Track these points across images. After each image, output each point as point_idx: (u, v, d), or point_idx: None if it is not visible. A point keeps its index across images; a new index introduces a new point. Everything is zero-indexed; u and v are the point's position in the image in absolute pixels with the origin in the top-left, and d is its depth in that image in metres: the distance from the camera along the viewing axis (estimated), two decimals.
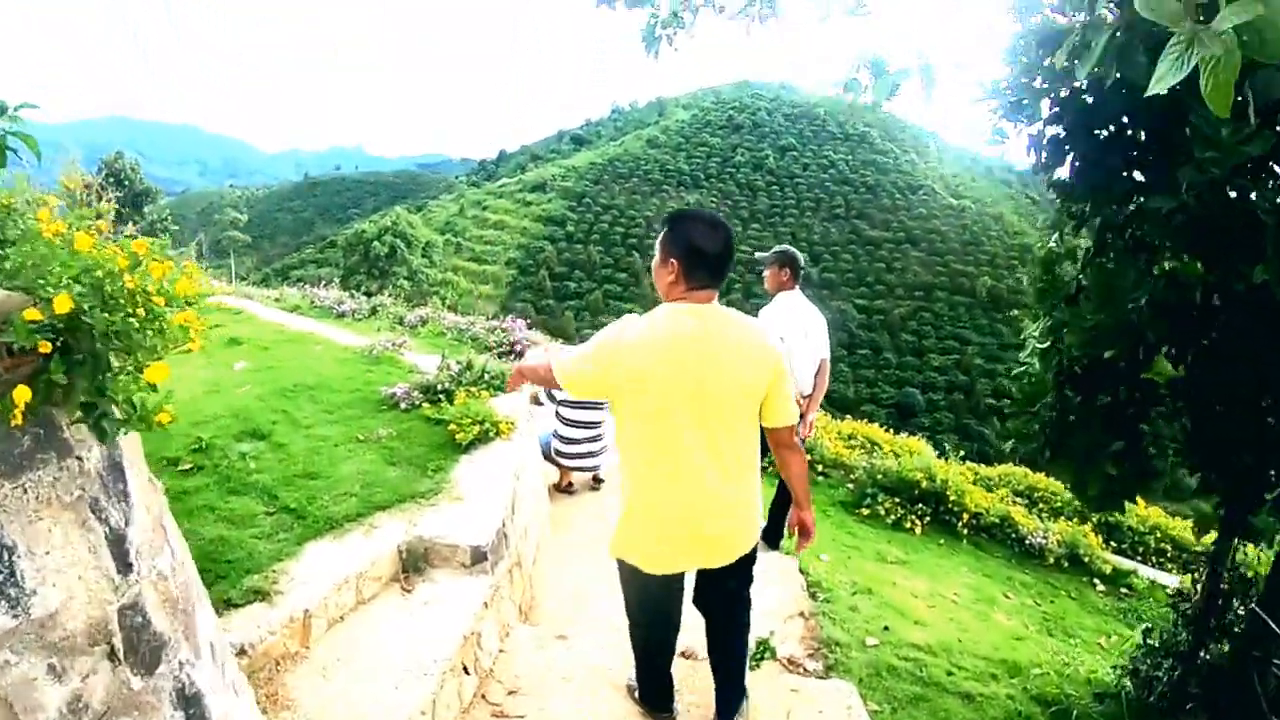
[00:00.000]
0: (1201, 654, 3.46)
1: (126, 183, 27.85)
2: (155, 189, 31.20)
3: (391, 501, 4.15)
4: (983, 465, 10.05)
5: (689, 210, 2.64)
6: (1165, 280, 2.84)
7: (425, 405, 5.51)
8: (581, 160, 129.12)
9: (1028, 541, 7.07)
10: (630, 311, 2.85)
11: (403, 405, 5.63)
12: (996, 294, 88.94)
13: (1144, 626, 4.31)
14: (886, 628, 4.53)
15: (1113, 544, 7.86)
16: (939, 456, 9.16)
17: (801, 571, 5.06)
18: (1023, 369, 3.58)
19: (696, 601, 2.96)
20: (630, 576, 2.77)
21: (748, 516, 2.69)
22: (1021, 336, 3.77)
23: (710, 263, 2.49)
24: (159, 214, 30.57)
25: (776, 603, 4.55)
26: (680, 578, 2.79)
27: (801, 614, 4.51)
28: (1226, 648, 3.40)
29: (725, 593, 2.88)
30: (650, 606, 2.88)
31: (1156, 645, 3.73)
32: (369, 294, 12.51)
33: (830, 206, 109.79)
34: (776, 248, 5.09)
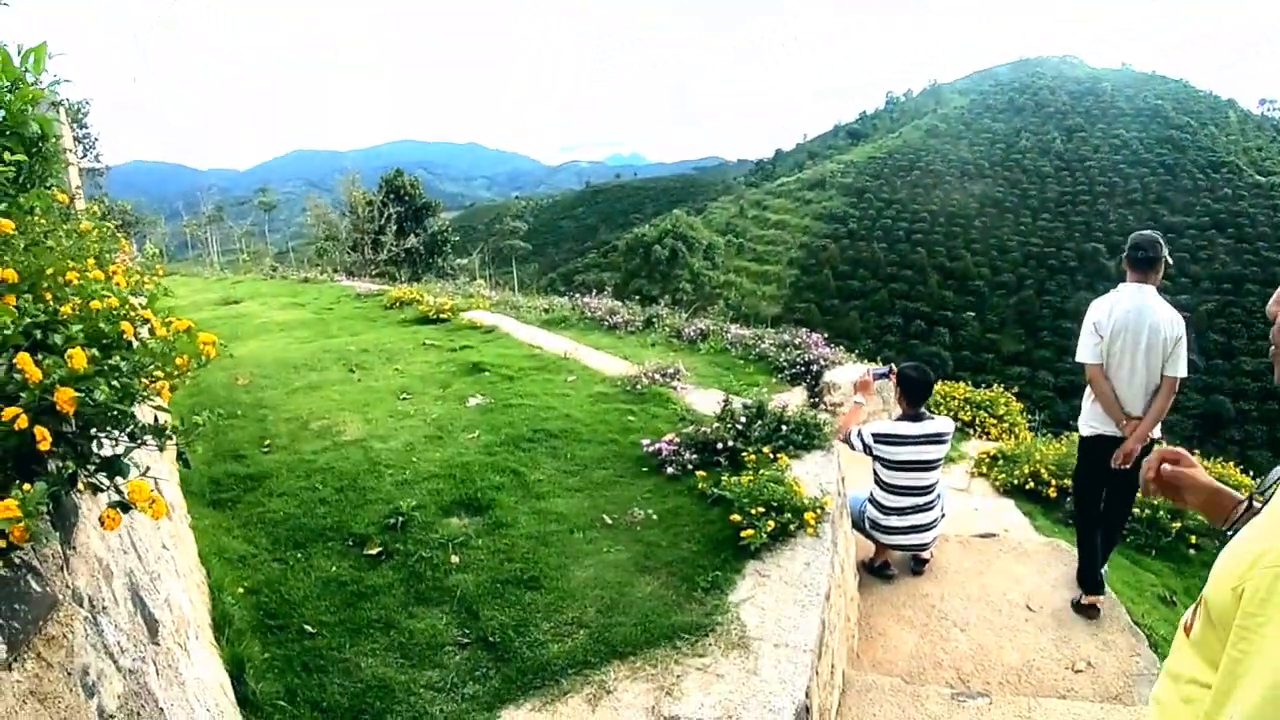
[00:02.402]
0: None
1: (407, 198, 30.36)
2: (436, 202, 33.87)
3: (638, 642, 3.02)
4: None
5: None
6: None
7: (699, 472, 4.38)
8: (860, 154, 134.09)
9: None
10: None
11: (669, 469, 4.55)
12: None
13: None
14: None
15: None
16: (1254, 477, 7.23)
17: None
18: None
19: None
20: None
21: None
22: None
23: None
24: (440, 226, 33.15)
25: None
26: None
27: None
28: None
29: None
30: None
31: None
32: (650, 299, 11.92)
33: (1125, 191, 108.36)
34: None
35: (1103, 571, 4.83)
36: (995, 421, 8.38)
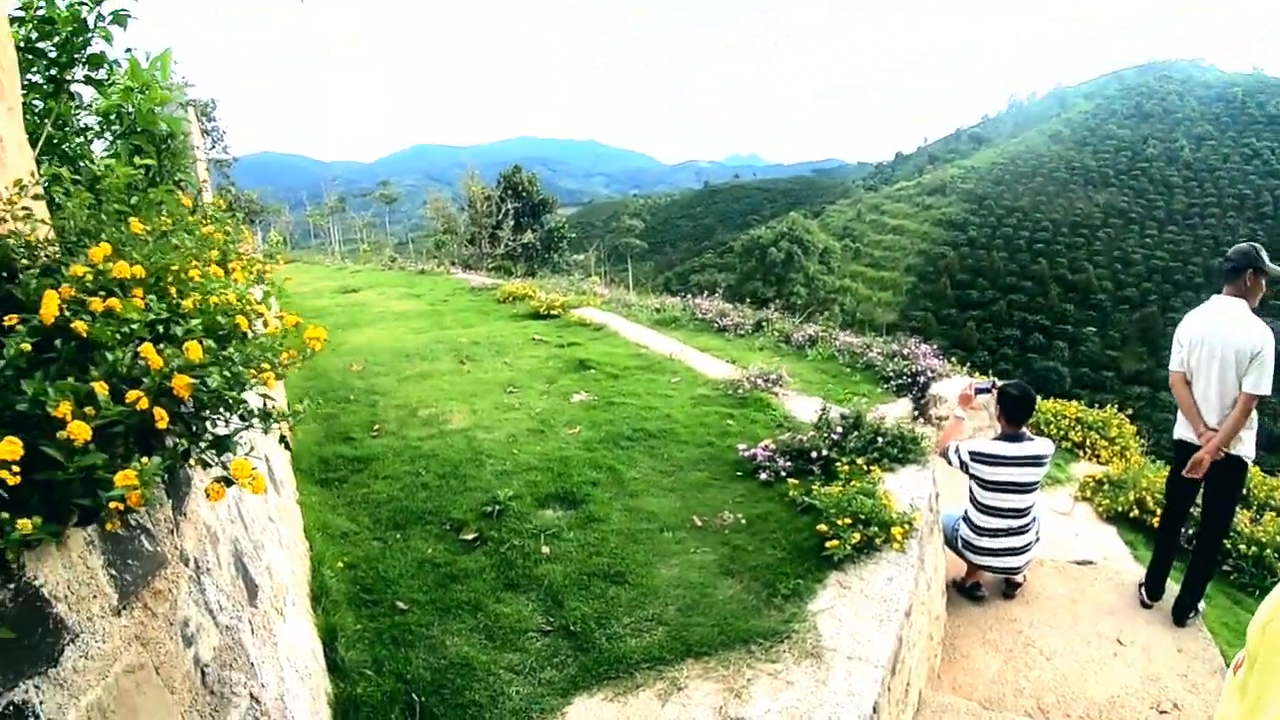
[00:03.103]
0: None
1: (524, 194, 31.20)
2: (553, 199, 34.67)
3: (713, 643, 3.10)
4: None
5: None
6: None
7: (791, 480, 4.42)
8: (981, 160, 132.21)
9: None
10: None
11: (762, 475, 4.61)
12: None
13: None
14: None
15: None
16: None
17: None
18: None
19: None
20: None
21: None
22: None
23: None
24: (557, 222, 33.92)
25: None
26: None
27: None
28: None
29: None
30: None
31: None
32: (764, 301, 11.92)
33: (1256, 204, 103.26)
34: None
35: (1200, 607, 4.71)
36: (1106, 444, 8.04)
